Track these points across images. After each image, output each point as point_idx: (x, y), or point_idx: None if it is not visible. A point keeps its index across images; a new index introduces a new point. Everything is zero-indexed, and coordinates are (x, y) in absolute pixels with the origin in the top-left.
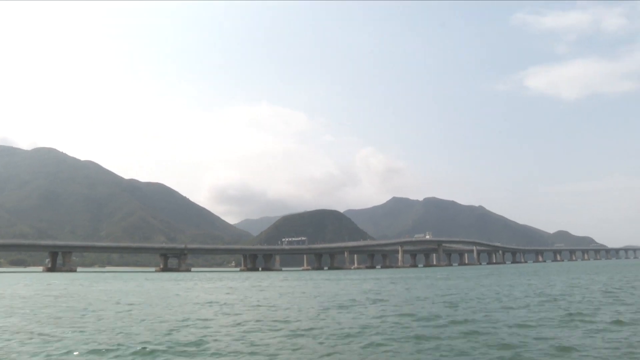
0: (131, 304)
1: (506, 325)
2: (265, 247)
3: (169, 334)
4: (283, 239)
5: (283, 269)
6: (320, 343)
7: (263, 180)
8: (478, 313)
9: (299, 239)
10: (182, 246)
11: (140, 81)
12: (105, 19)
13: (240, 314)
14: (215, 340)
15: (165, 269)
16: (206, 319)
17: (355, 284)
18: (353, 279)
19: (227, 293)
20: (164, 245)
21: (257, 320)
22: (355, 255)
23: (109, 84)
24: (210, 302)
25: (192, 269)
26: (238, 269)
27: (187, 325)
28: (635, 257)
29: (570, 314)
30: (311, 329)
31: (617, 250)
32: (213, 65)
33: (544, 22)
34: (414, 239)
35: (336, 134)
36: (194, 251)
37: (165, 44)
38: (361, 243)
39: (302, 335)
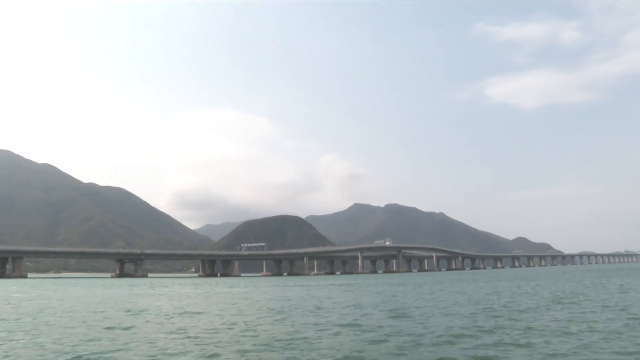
0: (54, 312)
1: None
2: (223, 252)
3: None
4: (242, 245)
5: (242, 275)
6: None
7: (225, 185)
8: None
9: (258, 244)
10: (139, 251)
11: (100, 83)
12: (63, 19)
13: (162, 323)
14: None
15: (122, 274)
16: (126, 328)
17: (303, 291)
18: (306, 286)
19: (166, 300)
20: (120, 250)
21: (169, 332)
22: (315, 262)
23: (67, 84)
24: (141, 311)
25: (150, 275)
26: (197, 274)
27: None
28: (589, 263)
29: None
30: (216, 340)
31: (572, 257)
32: (175, 68)
33: (504, 32)
34: (373, 245)
35: (299, 140)
36: (150, 256)
37: (126, 45)
38: (320, 249)
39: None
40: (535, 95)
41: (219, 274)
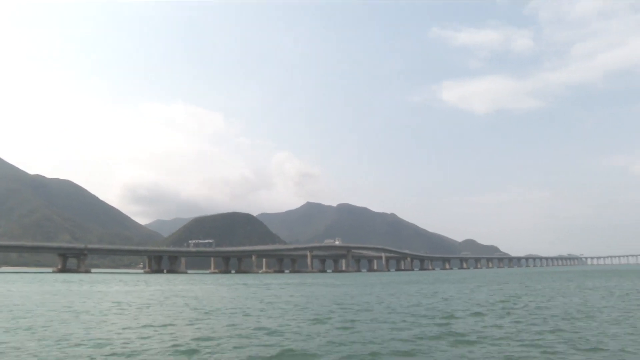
0: None
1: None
2: (170, 248)
3: None
4: (190, 241)
5: (189, 271)
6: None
7: (177, 180)
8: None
9: (206, 241)
10: (82, 246)
11: (50, 72)
12: (11, 4)
13: (68, 321)
14: None
15: (64, 269)
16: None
17: (241, 290)
18: (250, 284)
19: (88, 299)
20: (62, 244)
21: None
22: (264, 259)
23: (15, 73)
24: (51, 310)
25: (95, 270)
26: (143, 270)
27: None
28: (534, 265)
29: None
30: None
31: (519, 259)
32: (129, 60)
33: (459, 37)
34: (323, 245)
35: (252, 137)
36: (95, 251)
37: (78, 35)
38: (269, 247)
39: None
40: (487, 100)
41: (165, 271)
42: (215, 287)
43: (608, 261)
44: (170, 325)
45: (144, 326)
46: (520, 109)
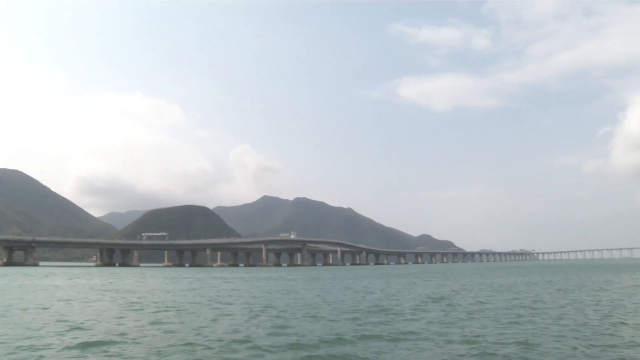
0: None
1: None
2: (122, 241)
3: None
4: (143, 234)
5: (142, 265)
6: None
7: (133, 172)
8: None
9: (160, 234)
10: (30, 238)
11: (2, 63)
12: None
13: None
14: None
15: (10, 263)
16: None
17: (184, 284)
18: (199, 278)
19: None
20: (8, 237)
21: None
22: (219, 253)
23: None
24: None
25: (45, 264)
26: (94, 264)
27: None
28: (488, 261)
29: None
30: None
31: (473, 254)
32: (86, 49)
33: (420, 34)
34: (278, 238)
35: (211, 130)
36: (43, 244)
37: (34, 22)
38: (224, 240)
39: None
40: (446, 97)
41: (117, 264)
42: (160, 281)
43: (558, 257)
44: (88, 321)
45: (58, 322)
46: (479, 107)
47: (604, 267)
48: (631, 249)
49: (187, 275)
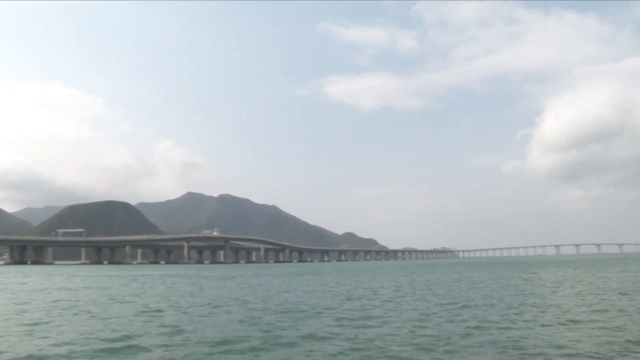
0: None
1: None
2: (35, 238)
3: None
4: (58, 230)
5: (57, 262)
6: None
7: (52, 166)
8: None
9: (77, 230)
10: None
11: None
12: None
13: None
14: None
15: None
16: None
17: (90, 281)
18: (107, 276)
19: None
20: None
21: None
22: (139, 250)
23: None
24: None
25: None
26: (4, 262)
27: None
28: (410, 258)
29: None
30: None
31: (395, 252)
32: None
33: (348, 34)
34: (200, 235)
35: (135, 124)
36: None
37: None
38: (144, 237)
39: None
40: (373, 97)
41: (29, 262)
42: (66, 279)
43: (478, 254)
44: None
45: None
46: (404, 107)
47: (516, 265)
48: (544, 246)
49: (101, 274)
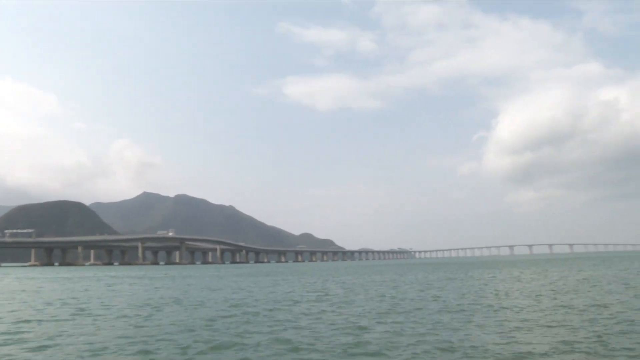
0: None
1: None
2: None
3: None
4: (6, 231)
5: (4, 264)
6: None
7: (1, 165)
8: None
9: (26, 230)
10: None
11: None
12: None
13: None
14: None
15: None
16: None
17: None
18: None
19: None
20: None
21: None
22: (92, 251)
23: None
24: None
25: None
26: None
27: None
28: (367, 259)
29: None
30: None
31: (352, 253)
32: None
33: (307, 34)
34: (155, 236)
35: (90, 122)
36: None
37: None
38: (98, 238)
39: None
40: (331, 97)
41: None
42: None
43: (434, 255)
44: None
45: None
46: (362, 108)
47: (471, 265)
48: (499, 247)
49: (39, 276)
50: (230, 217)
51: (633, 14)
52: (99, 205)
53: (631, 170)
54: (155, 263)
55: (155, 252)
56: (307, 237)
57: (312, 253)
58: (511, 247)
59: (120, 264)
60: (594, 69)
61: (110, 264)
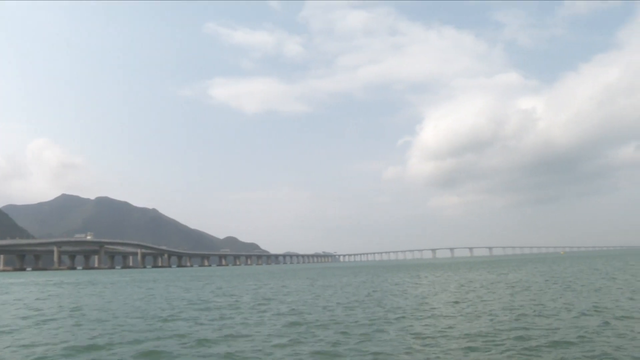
0: None
1: None
2: None
3: None
4: None
5: None
6: None
7: None
8: None
9: None
10: None
11: None
12: None
13: None
14: None
15: None
16: None
17: None
18: None
19: None
20: None
21: None
22: (2, 256)
23: None
24: None
25: None
26: None
27: None
28: (292, 263)
29: None
30: None
31: (277, 256)
32: None
33: (234, 36)
34: (72, 239)
35: (3, 119)
36: None
37: None
38: (8, 242)
39: None
40: (257, 100)
41: None
42: None
43: (358, 258)
44: None
45: None
46: (289, 112)
47: (392, 268)
48: (422, 250)
49: None
50: (153, 220)
51: (548, 30)
52: (13, 207)
53: (545, 177)
54: (73, 268)
55: (72, 256)
56: (231, 241)
57: (236, 257)
58: (434, 250)
59: (34, 269)
60: (514, 79)
61: (22, 269)
